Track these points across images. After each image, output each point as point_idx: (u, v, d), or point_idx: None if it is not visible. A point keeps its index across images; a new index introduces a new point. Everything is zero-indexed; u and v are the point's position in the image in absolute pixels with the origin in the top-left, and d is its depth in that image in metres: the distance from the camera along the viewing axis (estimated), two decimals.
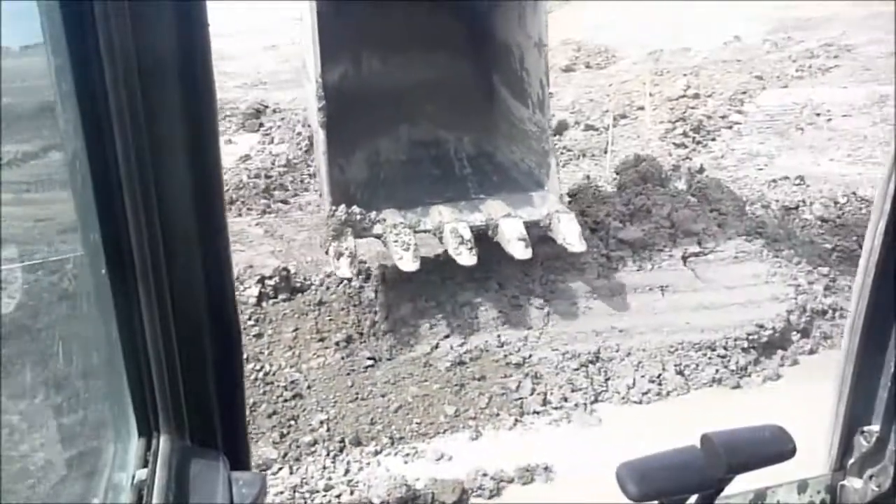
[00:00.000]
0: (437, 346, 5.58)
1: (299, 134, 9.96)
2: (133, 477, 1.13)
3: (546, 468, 4.57)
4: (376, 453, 4.84)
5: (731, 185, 8.09)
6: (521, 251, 5.47)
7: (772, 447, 1.61)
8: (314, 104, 5.70)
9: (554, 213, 5.78)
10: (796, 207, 7.67)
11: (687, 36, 13.71)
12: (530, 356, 5.51)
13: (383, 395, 5.22)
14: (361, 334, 5.70)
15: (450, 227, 5.54)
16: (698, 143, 9.85)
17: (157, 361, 1.12)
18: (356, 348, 5.60)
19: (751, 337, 5.57)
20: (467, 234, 5.48)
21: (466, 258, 5.39)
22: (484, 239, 5.69)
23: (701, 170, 8.10)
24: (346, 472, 4.70)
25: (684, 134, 9.89)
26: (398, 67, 6.79)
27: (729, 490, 1.64)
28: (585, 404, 5.17)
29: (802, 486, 1.79)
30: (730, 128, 10.26)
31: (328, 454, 4.79)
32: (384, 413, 5.10)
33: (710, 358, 5.47)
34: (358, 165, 6.37)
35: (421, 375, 5.36)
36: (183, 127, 1.05)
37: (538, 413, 5.11)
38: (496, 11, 6.60)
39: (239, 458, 1.26)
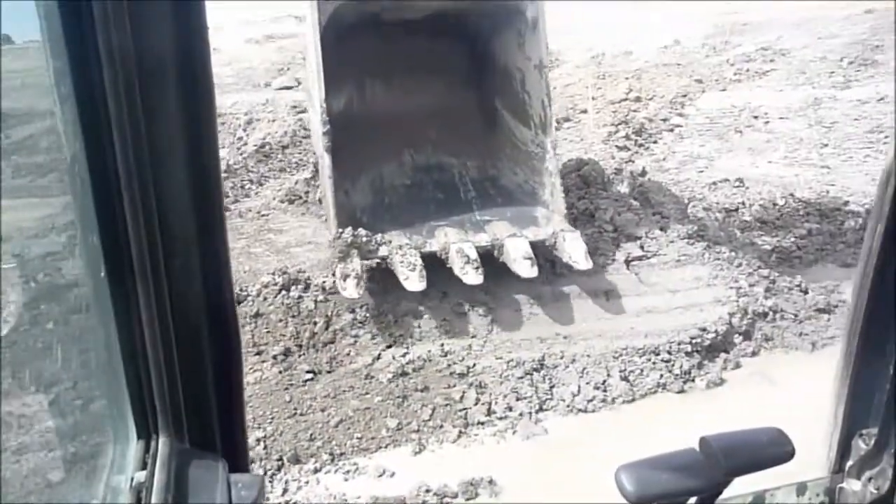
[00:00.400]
0: (378, 357, 5.43)
1: (240, 139, 9.72)
2: (132, 479, 1.13)
3: (490, 482, 4.46)
4: (316, 471, 4.67)
5: (672, 188, 8.14)
6: (527, 270, 5.54)
7: (770, 450, 1.62)
8: (319, 130, 5.77)
9: (559, 231, 5.84)
10: (736, 209, 7.75)
11: (629, 40, 13.84)
12: (474, 365, 5.40)
13: (323, 410, 5.05)
14: (300, 346, 5.52)
15: (455, 248, 5.59)
16: (640, 145, 9.91)
17: (155, 363, 1.12)
18: (295, 361, 5.41)
19: (694, 341, 5.56)
20: (473, 254, 5.54)
21: (473, 277, 5.45)
22: (490, 259, 5.75)
23: (643, 173, 8.12)
24: (285, 491, 4.52)
25: (626, 137, 9.94)
26: (401, 94, 6.92)
27: (727, 493, 1.64)
28: (530, 413, 5.08)
29: (801, 489, 1.79)
30: (671, 130, 10.36)
31: (265, 473, 4.60)
32: (324, 428, 4.93)
33: (654, 363, 5.44)
34: (363, 190, 6.41)
35: (362, 388, 5.21)
36: (182, 129, 1.06)
37: (482, 424, 5.00)
38: (497, 36, 6.72)
39: (238, 461, 1.26)
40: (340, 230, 5.53)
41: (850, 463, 1.73)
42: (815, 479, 1.78)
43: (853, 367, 1.67)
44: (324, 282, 5.93)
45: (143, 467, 1.14)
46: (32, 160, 1.29)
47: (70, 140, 1.05)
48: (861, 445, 1.69)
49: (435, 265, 5.68)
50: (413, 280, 5.38)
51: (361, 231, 5.56)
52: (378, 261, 5.69)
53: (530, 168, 6.49)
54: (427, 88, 6.96)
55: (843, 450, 1.73)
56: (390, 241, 5.64)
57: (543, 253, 5.93)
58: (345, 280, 5.31)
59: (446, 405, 5.11)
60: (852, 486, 1.73)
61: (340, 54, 6.20)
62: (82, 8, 0.95)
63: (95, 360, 1.34)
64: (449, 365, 5.38)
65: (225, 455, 1.22)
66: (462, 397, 5.15)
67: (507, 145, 6.78)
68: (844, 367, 1.70)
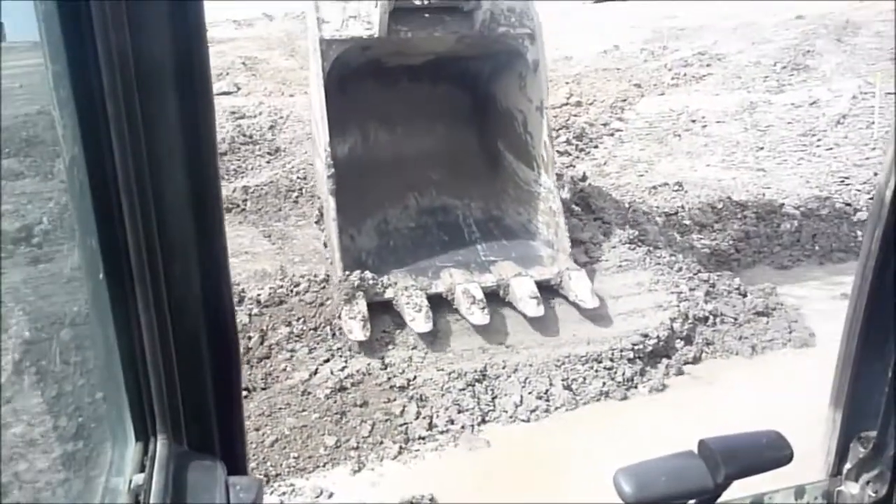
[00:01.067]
0: (315, 372, 5.25)
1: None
2: (130, 481, 1.13)
3: (431, 499, 4.33)
4: None
5: (613, 193, 8.15)
6: (533, 309, 5.55)
7: (769, 453, 1.63)
8: (324, 173, 5.81)
9: (564, 270, 5.86)
10: (676, 213, 7.79)
11: (568, 44, 13.91)
12: (415, 378, 5.27)
13: (257, 429, 4.85)
14: None
15: (461, 288, 5.60)
16: (581, 150, 9.93)
17: (154, 366, 1.11)
18: None
19: (636, 347, 5.53)
20: (479, 295, 5.58)
21: (479, 318, 5.45)
22: (495, 298, 5.75)
23: (584, 178, 8.11)
24: None
25: (567, 142, 9.95)
26: (404, 139, 7.00)
27: (725, 495, 1.63)
28: (472, 426, 4.98)
29: (800, 492, 1.80)
30: (611, 135, 10.41)
31: None
32: (259, 448, 4.73)
33: (596, 371, 5.39)
34: (368, 234, 6.40)
35: (299, 405, 5.03)
36: (180, 132, 1.05)
37: (423, 439, 4.87)
38: (498, 79, 6.81)
39: (236, 463, 1.24)
40: (347, 273, 5.49)
41: (848, 466, 1.73)
42: (814, 482, 1.78)
43: (852, 370, 1.67)
44: (258, 294, 5.74)
45: (142, 469, 1.14)
46: (31, 162, 1.29)
47: (69, 143, 1.05)
48: (859, 448, 1.70)
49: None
50: (419, 321, 5.36)
51: (367, 273, 5.53)
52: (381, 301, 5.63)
53: (534, 208, 6.55)
54: (430, 132, 7.07)
55: (842, 453, 1.73)
56: (396, 283, 5.61)
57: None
58: (351, 322, 5.27)
59: (386, 420, 4.96)
60: (850, 489, 1.73)
61: (344, 99, 6.28)
62: (81, 9, 0.95)
63: (94, 363, 1.35)
64: (389, 378, 5.24)
65: (223, 457, 1.22)
66: (402, 412, 5.01)
67: (511, 186, 6.84)
68: (843, 370, 1.70)
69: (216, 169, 1.13)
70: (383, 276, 5.65)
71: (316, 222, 6.65)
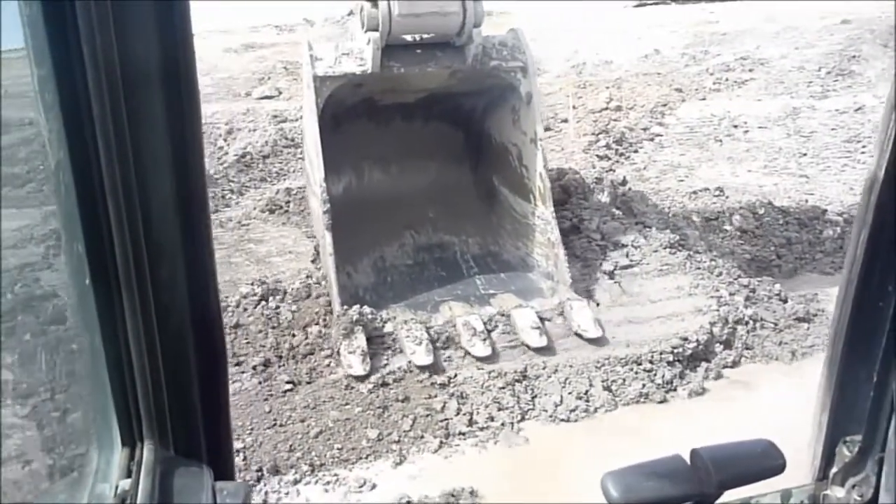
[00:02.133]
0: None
1: (220, 148, 9.64)
2: (116, 487, 1.13)
3: (472, 492, 4.42)
4: (295, 482, 4.61)
5: (653, 197, 8.16)
6: (536, 340, 5.55)
7: (762, 462, 1.63)
8: (319, 209, 5.86)
9: (566, 301, 5.86)
10: (716, 218, 7.78)
11: (609, 49, 13.91)
12: (455, 375, 5.37)
13: (302, 421, 4.99)
14: (280, 357, 5.46)
15: (462, 321, 5.61)
16: (621, 154, 9.95)
17: (140, 371, 1.12)
18: (274, 372, 5.36)
19: (676, 350, 5.57)
20: (479, 326, 5.56)
21: (481, 349, 5.44)
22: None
23: (624, 182, 8.14)
24: (264, 502, 4.46)
25: (607, 146, 9.97)
26: (399, 176, 7.03)
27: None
28: (512, 423, 5.06)
29: (786, 496, 1.80)
30: (651, 140, 10.41)
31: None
32: (304, 439, 4.87)
33: (636, 373, 5.43)
34: (364, 272, 6.42)
35: (342, 398, 5.16)
36: (166, 135, 1.05)
37: (464, 434, 4.96)
38: (492, 114, 6.83)
39: (223, 468, 1.26)
40: (345, 307, 5.51)
41: (834, 470, 1.73)
42: (800, 487, 1.78)
43: (837, 374, 1.68)
44: (300, 292, 5.89)
45: (128, 475, 1.14)
46: (16, 168, 1.29)
47: (54, 147, 1.04)
48: (845, 452, 1.70)
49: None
50: (420, 354, 5.37)
51: (366, 308, 5.55)
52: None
53: (532, 240, 6.54)
54: (424, 169, 7.07)
55: (828, 457, 1.74)
56: (395, 317, 5.64)
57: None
58: (350, 357, 5.29)
59: (427, 415, 5.07)
60: (836, 493, 1.73)
61: (338, 137, 6.33)
62: (66, 11, 0.94)
63: (80, 368, 1.33)
64: (430, 375, 5.35)
65: (210, 462, 1.22)
66: (443, 407, 5.12)
67: (508, 220, 6.85)
68: (829, 375, 1.71)
69: (203, 172, 1.12)
70: (382, 311, 5.66)
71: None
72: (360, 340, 5.37)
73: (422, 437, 4.94)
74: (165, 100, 1.03)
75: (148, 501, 1.08)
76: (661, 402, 5.30)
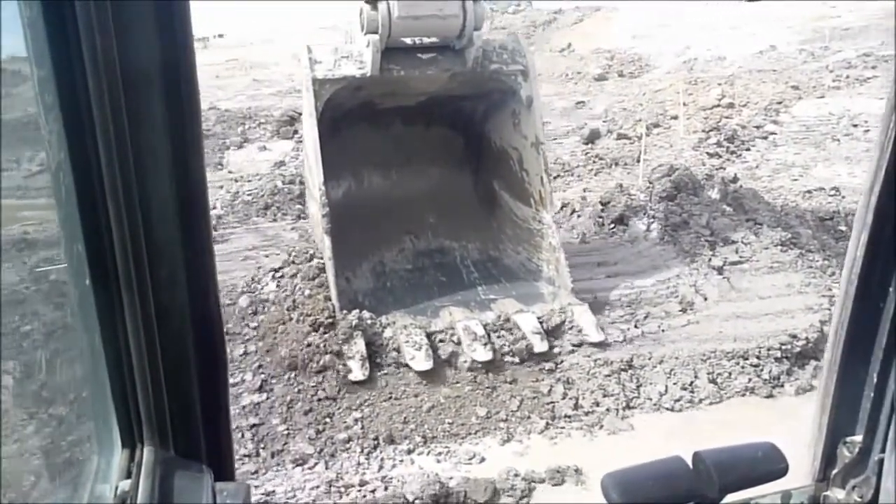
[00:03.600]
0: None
1: None
2: (116, 488, 1.12)
3: (577, 470, 4.61)
4: (409, 451, 4.91)
5: (765, 195, 8.07)
6: (538, 344, 5.55)
7: (764, 466, 1.61)
8: (318, 213, 5.83)
9: (567, 305, 5.86)
10: (831, 218, 7.64)
11: (722, 45, 13.67)
12: (562, 362, 5.55)
13: (416, 395, 5.29)
14: None
15: (462, 325, 5.59)
16: (732, 152, 9.83)
17: (140, 372, 1.12)
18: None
19: (784, 347, 5.57)
20: (480, 331, 5.54)
21: (482, 354, 5.42)
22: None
23: (735, 179, 8.09)
24: (381, 468, 4.78)
25: (718, 143, 9.88)
26: (399, 181, 6.97)
27: None
28: (617, 410, 5.20)
29: (786, 497, 1.79)
30: (765, 138, 10.23)
31: (362, 451, 4.88)
32: (417, 412, 5.17)
33: (742, 367, 5.47)
34: (364, 276, 6.41)
35: (453, 377, 5.43)
36: (167, 136, 1.04)
37: (569, 417, 5.15)
38: (492, 118, 6.75)
39: (223, 469, 1.26)
40: (344, 312, 5.52)
41: (834, 471, 1.72)
42: (800, 487, 1.78)
43: (837, 375, 1.67)
44: None
45: (128, 476, 1.13)
46: (17, 167, 1.27)
47: (55, 150, 1.03)
48: (845, 453, 1.69)
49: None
50: (419, 359, 5.36)
51: (366, 313, 5.54)
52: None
53: (533, 245, 6.49)
54: (424, 173, 6.99)
55: (828, 458, 1.73)
56: (395, 322, 5.61)
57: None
58: (350, 362, 5.31)
59: (534, 398, 5.28)
60: (836, 494, 1.72)
61: (337, 141, 6.30)
62: (66, 12, 0.94)
63: (80, 369, 1.32)
64: (537, 361, 5.55)
65: (210, 463, 1.21)
66: (550, 391, 5.32)
67: (508, 225, 6.78)
68: (828, 376, 1.70)
69: (203, 172, 1.11)
70: (381, 316, 5.63)
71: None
72: (360, 345, 5.37)
73: (528, 417, 5.16)
74: (165, 100, 1.03)
75: (148, 502, 1.07)
76: (767, 396, 5.32)
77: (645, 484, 1.54)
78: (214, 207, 8.22)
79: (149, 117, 1.03)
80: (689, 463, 1.58)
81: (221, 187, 8.97)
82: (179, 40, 1.02)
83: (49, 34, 0.96)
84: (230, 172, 9.86)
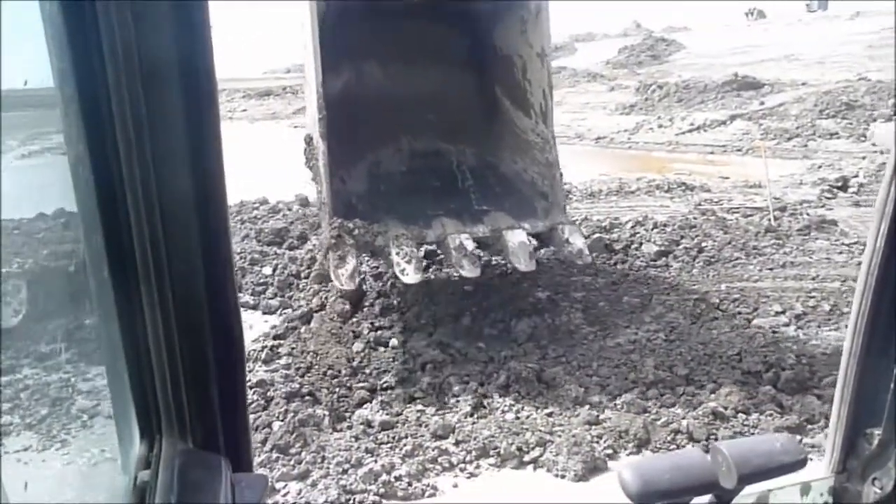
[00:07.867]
0: None
1: None
2: (135, 479, 1.14)
3: None
4: None
5: None
6: (525, 263, 5.48)
7: (783, 458, 1.58)
8: (315, 115, 5.60)
9: (558, 224, 5.80)
10: None
11: None
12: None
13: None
14: None
15: (454, 240, 5.50)
16: None
17: (159, 364, 1.13)
18: None
19: None
20: (471, 246, 5.47)
21: (469, 270, 5.38)
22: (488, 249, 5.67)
23: None
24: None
25: None
26: (400, 78, 6.74)
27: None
28: None
29: (805, 489, 1.80)
30: None
31: None
32: None
33: None
34: (359, 178, 6.29)
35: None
36: (185, 129, 1.05)
37: None
38: (499, 23, 6.51)
39: (241, 460, 1.27)
40: (338, 219, 5.40)
41: (854, 463, 1.73)
42: (819, 479, 1.78)
43: (857, 366, 1.68)
44: None
45: (147, 467, 1.15)
46: (39, 161, 1.30)
47: (74, 142, 1.05)
48: (865, 445, 1.70)
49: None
50: (410, 272, 5.28)
51: (358, 221, 5.45)
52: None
53: (530, 158, 6.36)
54: (426, 73, 6.81)
55: (847, 449, 1.74)
56: (386, 231, 5.52)
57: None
58: (338, 270, 5.23)
59: None
60: (856, 485, 1.73)
61: (338, 37, 6.01)
62: (86, 8, 0.96)
63: (99, 361, 1.34)
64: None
65: (228, 455, 1.23)
66: None
67: (507, 134, 6.63)
68: (848, 367, 1.70)
69: (222, 167, 1.11)
70: (373, 224, 5.52)
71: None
72: (351, 254, 5.31)
73: None
74: (184, 96, 1.04)
75: (167, 494, 1.08)
76: None
77: (663, 476, 1.53)
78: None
79: (168, 109, 1.03)
80: (707, 455, 1.56)
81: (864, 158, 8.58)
82: (198, 34, 1.03)
83: (68, 30, 0.97)
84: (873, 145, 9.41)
